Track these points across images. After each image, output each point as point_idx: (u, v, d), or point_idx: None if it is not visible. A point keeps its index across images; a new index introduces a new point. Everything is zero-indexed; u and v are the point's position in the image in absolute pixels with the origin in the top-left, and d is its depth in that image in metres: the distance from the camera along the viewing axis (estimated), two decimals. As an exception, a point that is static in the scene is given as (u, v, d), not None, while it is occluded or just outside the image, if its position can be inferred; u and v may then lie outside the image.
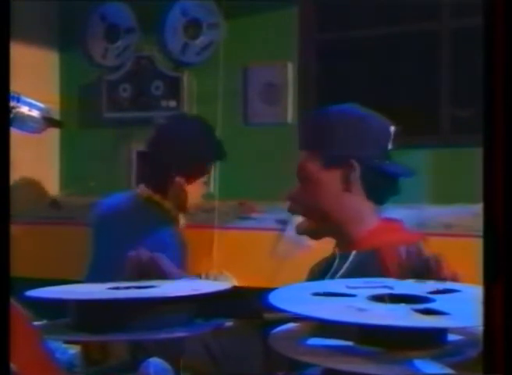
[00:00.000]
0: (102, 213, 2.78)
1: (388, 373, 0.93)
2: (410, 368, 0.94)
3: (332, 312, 0.99)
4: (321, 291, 1.13)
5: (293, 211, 1.80)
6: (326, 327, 1.07)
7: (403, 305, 1.05)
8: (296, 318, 1.05)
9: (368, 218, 1.75)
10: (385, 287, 1.15)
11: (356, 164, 1.70)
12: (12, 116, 1.54)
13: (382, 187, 1.75)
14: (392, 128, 1.75)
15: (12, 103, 1.56)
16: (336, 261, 1.73)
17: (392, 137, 1.75)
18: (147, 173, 2.83)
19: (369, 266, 1.63)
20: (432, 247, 1.78)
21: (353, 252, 1.70)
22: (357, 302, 1.06)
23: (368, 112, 1.78)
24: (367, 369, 0.94)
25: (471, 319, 1.02)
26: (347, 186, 1.72)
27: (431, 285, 1.18)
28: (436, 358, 0.97)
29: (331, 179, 1.72)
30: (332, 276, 1.67)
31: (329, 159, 1.72)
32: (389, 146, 1.75)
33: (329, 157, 1.72)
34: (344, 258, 1.71)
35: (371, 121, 1.75)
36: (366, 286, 1.17)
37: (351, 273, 1.61)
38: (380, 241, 1.70)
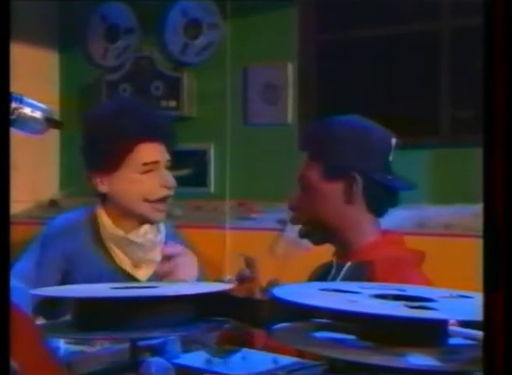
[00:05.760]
0: (49, 233, 2.17)
1: (387, 365, 0.94)
2: (408, 361, 0.95)
3: (322, 301, 1.01)
4: (329, 287, 1.14)
5: (294, 222, 1.79)
6: (330, 323, 1.08)
7: (401, 302, 1.05)
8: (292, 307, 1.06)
9: (368, 230, 1.75)
10: (397, 290, 1.15)
11: (358, 177, 1.70)
12: (14, 117, 1.53)
13: (382, 199, 1.75)
14: (394, 140, 1.75)
15: (15, 104, 1.55)
16: (333, 270, 1.74)
17: (393, 149, 1.75)
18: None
19: (361, 278, 1.63)
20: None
21: (348, 263, 1.71)
22: (357, 297, 1.06)
23: (370, 123, 1.77)
24: (368, 360, 0.95)
25: (458, 314, 1.02)
26: (349, 198, 1.72)
27: (446, 291, 1.18)
28: (434, 357, 0.97)
29: (332, 190, 1.72)
30: None
31: (331, 171, 1.72)
32: (390, 158, 1.75)
33: (331, 168, 1.72)
34: (340, 267, 1.72)
35: (373, 133, 1.74)
36: (378, 287, 1.17)
37: None
38: (376, 254, 1.71)
